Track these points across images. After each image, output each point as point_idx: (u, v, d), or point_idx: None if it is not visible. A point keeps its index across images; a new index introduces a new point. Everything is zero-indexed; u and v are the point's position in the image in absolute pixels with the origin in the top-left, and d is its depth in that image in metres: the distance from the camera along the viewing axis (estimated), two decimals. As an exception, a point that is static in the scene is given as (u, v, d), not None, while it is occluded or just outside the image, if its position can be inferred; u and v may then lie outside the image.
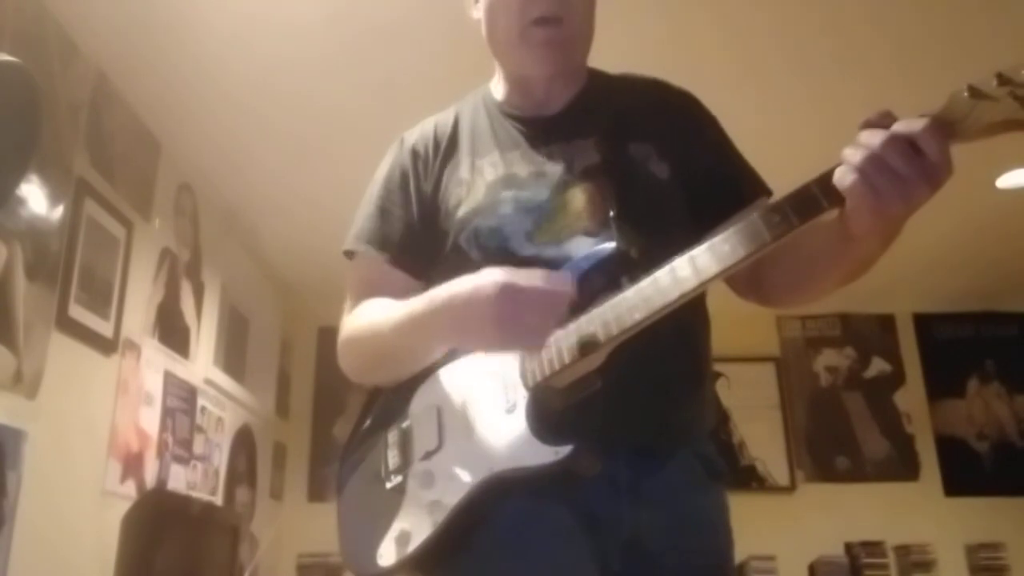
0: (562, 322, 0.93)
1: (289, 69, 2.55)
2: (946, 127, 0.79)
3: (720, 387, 4.47)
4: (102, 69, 2.47)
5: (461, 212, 1.11)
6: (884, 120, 0.82)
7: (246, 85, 2.62)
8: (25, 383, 2.03)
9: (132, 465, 2.56)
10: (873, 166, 0.79)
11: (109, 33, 2.33)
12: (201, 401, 3.17)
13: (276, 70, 2.55)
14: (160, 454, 2.77)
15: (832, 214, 0.84)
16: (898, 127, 0.80)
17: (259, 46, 2.44)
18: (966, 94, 0.78)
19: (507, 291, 0.90)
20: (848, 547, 4.16)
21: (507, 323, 0.90)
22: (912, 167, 0.78)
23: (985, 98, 0.77)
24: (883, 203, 0.80)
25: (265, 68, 2.54)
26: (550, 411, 0.95)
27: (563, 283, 0.92)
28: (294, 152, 3.01)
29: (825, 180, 0.83)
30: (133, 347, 2.61)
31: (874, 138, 0.80)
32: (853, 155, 0.81)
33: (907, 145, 0.78)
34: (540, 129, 1.16)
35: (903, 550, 4.15)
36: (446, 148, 1.19)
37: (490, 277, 0.93)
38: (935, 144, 0.78)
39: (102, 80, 2.48)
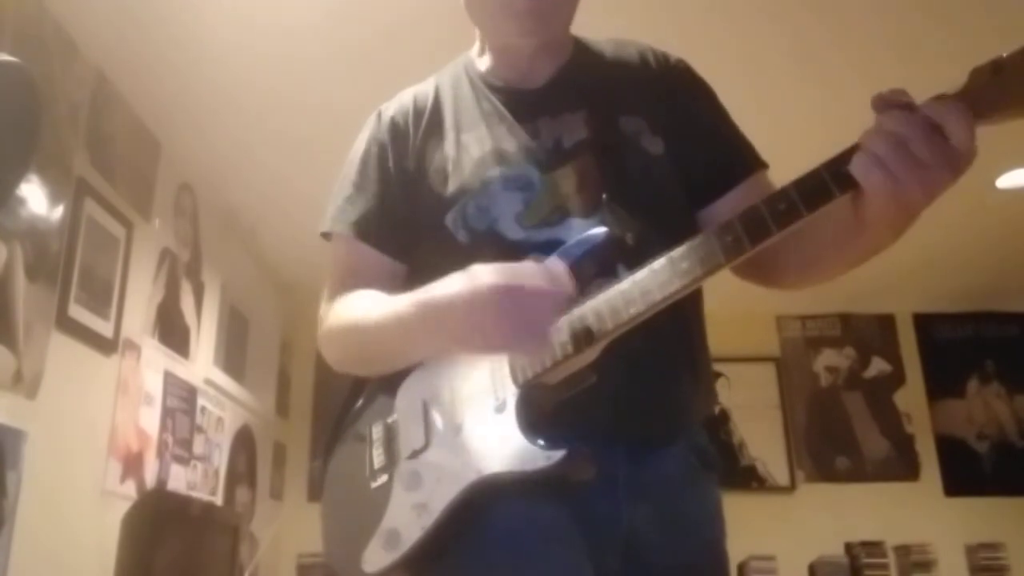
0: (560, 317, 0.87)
1: (289, 69, 2.55)
2: (974, 109, 0.72)
3: (720, 387, 4.47)
4: (102, 69, 2.47)
5: (447, 190, 1.05)
6: (899, 98, 0.75)
7: (246, 85, 2.62)
8: (25, 383, 2.02)
9: (132, 465, 2.56)
10: (898, 155, 0.73)
11: (109, 33, 2.33)
12: (201, 401, 3.17)
13: (276, 70, 2.55)
14: (160, 454, 2.77)
15: (841, 200, 0.78)
16: (925, 111, 0.73)
17: (259, 46, 2.44)
18: (989, 70, 0.72)
19: (509, 293, 0.84)
20: (848, 547, 4.16)
21: (512, 327, 0.84)
22: (938, 155, 0.72)
23: (1011, 74, 0.70)
24: (904, 192, 0.74)
25: (265, 68, 2.54)
26: (542, 410, 0.90)
27: (562, 278, 0.86)
28: (294, 152, 3.00)
29: (836, 166, 0.77)
30: (133, 347, 2.61)
31: (900, 124, 0.73)
32: (875, 143, 0.74)
33: (934, 131, 0.72)
34: (526, 102, 1.09)
35: (903, 550, 4.15)
36: (428, 121, 1.12)
37: (486, 278, 0.85)
38: (963, 129, 0.71)
39: (102, 80, 2.48)
